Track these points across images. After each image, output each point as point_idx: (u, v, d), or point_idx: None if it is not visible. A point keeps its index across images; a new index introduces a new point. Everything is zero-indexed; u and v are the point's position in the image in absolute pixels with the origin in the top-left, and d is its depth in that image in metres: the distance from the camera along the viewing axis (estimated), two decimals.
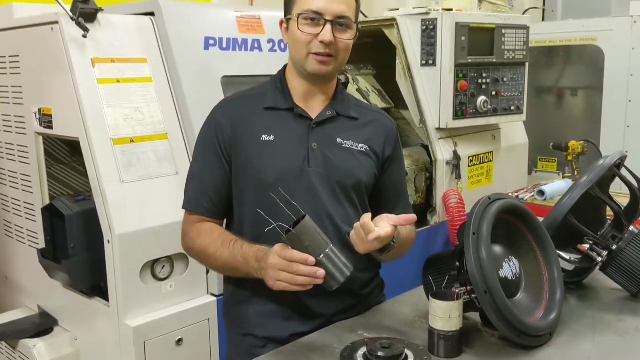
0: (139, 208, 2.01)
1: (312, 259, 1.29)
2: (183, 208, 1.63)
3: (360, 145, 1.59)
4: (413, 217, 1.43)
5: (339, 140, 1.58)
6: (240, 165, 1.56)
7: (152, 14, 2.24)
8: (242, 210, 1.58)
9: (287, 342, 1.51)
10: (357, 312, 1.63)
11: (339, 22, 1.49)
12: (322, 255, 1.29)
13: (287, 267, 1.31)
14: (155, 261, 2.04)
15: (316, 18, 1.48)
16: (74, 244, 2.05)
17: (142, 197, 2.02)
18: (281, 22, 1.60)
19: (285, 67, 1.64)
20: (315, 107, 1.59)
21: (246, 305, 1.61)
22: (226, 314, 1.71)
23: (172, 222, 2.02)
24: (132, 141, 2.05)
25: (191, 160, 1.67)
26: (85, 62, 2.01)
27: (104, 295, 2.07)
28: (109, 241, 1.97)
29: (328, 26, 1.48)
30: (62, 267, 2.09)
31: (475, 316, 1.49)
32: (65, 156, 2.53)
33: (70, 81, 2.00)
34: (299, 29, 1.49)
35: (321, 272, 1.29)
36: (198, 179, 1.60)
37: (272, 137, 1.54)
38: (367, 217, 1.37)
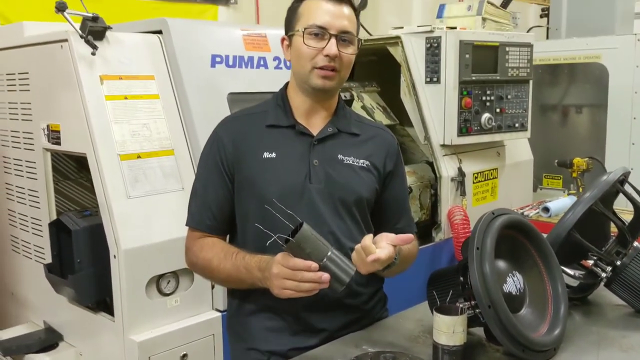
0: (145, 223, 2.02)
1: (315, 265, 1.30)
2: (186, 225, 1.65)
3: (362, 161, 1.61)
4: (410, 236, 1.44)
5: (340, 156, 1.60)
6: (243, 182, 1.58)
7: (159, 32, 2.27)
8: (245, 225, 1.60)
9: (290, 357, 1.52)
10: (360, 327, 1.63)
11: (342, 37, 1.53)
12: (324, 260, 1.30)
13: (291, 275, 1.33)
14: (161, 276, 2.05)
15: (321, 33, 1.52)
16: (80, 258, 2.06)
17: (148, 212, 2.04)
18: (282, 39, 1.63)
19: (286, 84, 1.67)
20: (316, 124, 1.62)
21: (250, 319, 1.62)
22: (230, 327, 1.71)
23: (177, 237, 2.03)
24: (138, 157, 2.07)
25: (194, 177, 1.69)
26: (94, 79, 2.04)
27: (110, 310, 2.08)
28: (114, 256, 1.98)
29: (333, 40, 1.52)
30: (68, 282, 2.10)
31: (479, 331, 1.48)
32: (72, 172, 2.56)
33: (79, 98, 2.02)
34: (304, 42, 1.52)
35: (325, 276, 1.30)
36: (201, 196, 1.62)
37: (273, 154, 1.56)
38: (368, 239, 1.38)
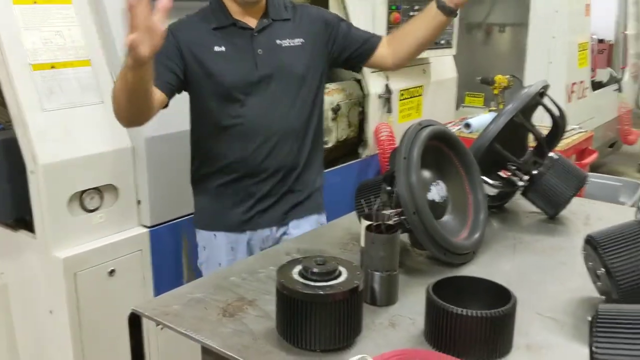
0: (63, 137, 1.93)
1: None
2: None
3: (297, 40, 1.82)
4: None
5: (277, 42, 1.79)
6: (199, 75, 1.74)
7: None
8: (201, 120, 1.83)
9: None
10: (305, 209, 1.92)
11: None
12: (389, 272, 1.28)
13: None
14: (83, 192, 1.99)
15: None
16: None
17: (66, 126, 1.94)
18: None
19: None
20: (252, 20, 1.80)
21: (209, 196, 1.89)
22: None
23: (100, 152, 1.97)
24: (52, 67, 1.94)
25: None
26: None
27: (30, 228, 2.00)
28: (32, 172, 1.89)
29: None
30: None
31: (404, 237, 1.53)
32: None
33: None
34: None
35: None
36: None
37: (223, 48, 1.74)
38: None
